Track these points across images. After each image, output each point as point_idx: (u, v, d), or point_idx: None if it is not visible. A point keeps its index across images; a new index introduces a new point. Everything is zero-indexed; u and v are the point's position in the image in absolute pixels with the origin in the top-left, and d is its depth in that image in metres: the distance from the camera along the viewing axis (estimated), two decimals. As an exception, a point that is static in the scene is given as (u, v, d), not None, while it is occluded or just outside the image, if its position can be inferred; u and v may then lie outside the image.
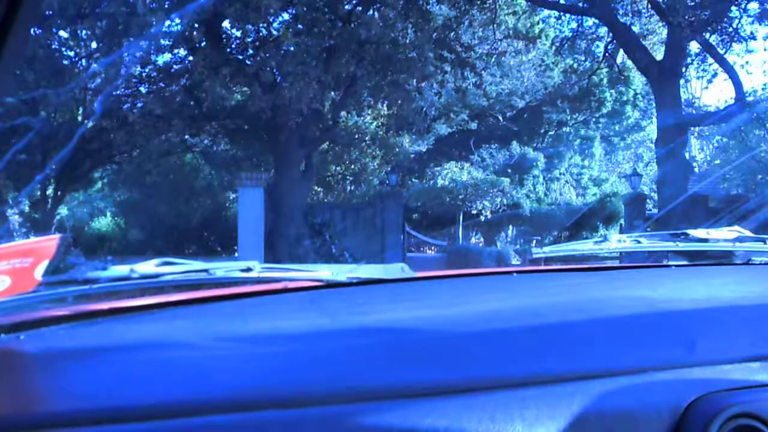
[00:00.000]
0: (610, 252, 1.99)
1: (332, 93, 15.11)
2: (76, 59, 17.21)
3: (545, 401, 0.99)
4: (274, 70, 12.86)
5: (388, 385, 1.00)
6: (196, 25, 12.78)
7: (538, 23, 22.31)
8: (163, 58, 15.61)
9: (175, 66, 15.58)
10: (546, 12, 22.10)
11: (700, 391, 1.04)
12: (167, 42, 13.94)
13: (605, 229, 21.52)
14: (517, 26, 20.42)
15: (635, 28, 18.89)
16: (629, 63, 20.97)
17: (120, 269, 1.29)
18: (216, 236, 20.43)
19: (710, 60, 19.15)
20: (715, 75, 21.31)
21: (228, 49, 14.71)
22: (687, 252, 2.09)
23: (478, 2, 15.22)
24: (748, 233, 1.88)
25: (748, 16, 17.29)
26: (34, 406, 0.94)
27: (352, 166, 21.97)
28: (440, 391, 0.99)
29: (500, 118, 26.90)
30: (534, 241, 21.72)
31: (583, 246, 1.89)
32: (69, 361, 1.07)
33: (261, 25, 13.68)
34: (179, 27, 13.22)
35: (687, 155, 20.96)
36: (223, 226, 20.04)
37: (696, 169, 26.99)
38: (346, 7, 13.92)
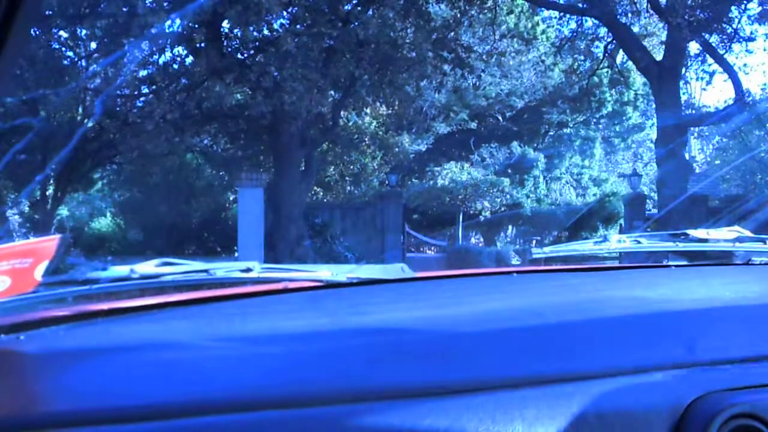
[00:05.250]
0: (610, 252, 1.99)
1: (332, 93, 15.12)
2: (76, 59, 17.21)
3: (545, 401, 0.99)
4: (274, 72, 12.86)
5: (388, 385, 1.00)
6: (196, 26, 12.78)
7: (537, 23, 22.31)
8: (164, 59, 15.62)
9: (175, 66, 15.58)
10: (546, 12, 22.09)
11: (700, 391, 1.04)
12: (167, 42, 13.93)
13: (605, 229, 21.51)
14: (517, 26, 20.44)
15: (635, 29, 18.90)
16: (629, 64, 20.98)
17: (120, 270, 1.29)
18: (216, 236, 20.41)
19: (710, 60, 19.18)
20: (713, 74, 21.33)
21: (228, 50, 14.71)
22: (687, 252, 2.09)
23: (478, 2, 15.22)
24: (748, 233, 1.88)
25: (748, 17, 17.33)
26: (34, 406, 0.94)
27: (352, 167, 22.01)
28: (440, 391, 0.99)
29: (500, 118, 26.91)
30: (534, 241, 21.77)
31: (583, 246, 1.89)
32: (69, 361, 1.07)
33: (262, 25, 13.68)
34: (179, 27, 13.22)
35: (687, 155, 20.96)
36: (223, 226, 20.03)
37: (696, 169, 27.01)
38: (346, 7, 13.92)
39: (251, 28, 13.18)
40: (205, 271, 1.38)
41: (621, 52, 20.17)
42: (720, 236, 1.86)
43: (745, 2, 16.94)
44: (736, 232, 1.86)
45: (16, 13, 0.80)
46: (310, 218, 16.67)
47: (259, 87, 12.90)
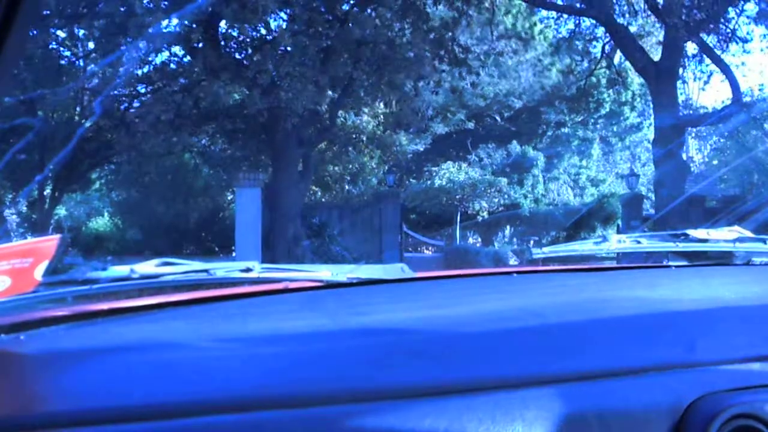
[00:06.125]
0: (608, 252, 2.00)
1: (330, 93, 15.11)
2: (74, 59, 17.20)
3: (545, 401, 0.99)
4: (272, 71, 12.86)
5: (388, 385, 1.00)
6: (194, 26, 12.77)
7: (535, 24, 22.32)
8: (161, 58, 15.62)
9: (172, 66, 15.57)
10: (543, 12, 22.09)
11: (700, 391, 1.04)
12: (165, 42, 13.91)
13: (603, 229, 21.53)
14: (515, 27, 20.45)
15: (632, 29, 18.91)
16: (627, 64, 20.98)
17: (120, 269, 1.29)
18: (214, 236, 20.44)
19: (707, 61, 19.19)
20: (710, 75, 21.33)
21: (226, 50, 14.70)
22: (686, 252, 2.09)
23: (476, 2, 15.21)
24: (748, 233, 1.88)
25: (746, 17, 17.35)
26: (34, 406, 0.94)
27: (350, 166, 21.98)
28: (440, 391, 0.99)
29: (498, 118, 26.94)
30: (531, 242, 21.75)
31: (583, 246, 1.89)
32: (69, 361, 1.07)
33: (259, 25, 13.67)
34: (177, 27, 13.21)
35: (684, 156, 20.97)
36: (220, 226, 20.06)
37: (693, 170, 27.03)
38: (344, 7, 13.91)
39: (249, 28, 13.18)
40: (205, 271, 1.38)
41: (618, 52, 20.17)
42: (720, 236, 1.86)
43: (742, 2, 16.96)
44: (736, 232, 1.85)
45: (16, 13, 0.80)
46: (307, 218, 16.67)
47: (255, 85, 12.89)
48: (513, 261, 17.48)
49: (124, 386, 0.96)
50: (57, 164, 14.83)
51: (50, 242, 1.12)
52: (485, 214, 22.97)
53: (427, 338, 1.18)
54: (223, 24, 13.94)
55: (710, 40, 17.38)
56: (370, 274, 1.59)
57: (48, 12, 12.96)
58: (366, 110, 19.56)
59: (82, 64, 17.21)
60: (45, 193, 17.81)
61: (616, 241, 1.87)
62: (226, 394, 0.95)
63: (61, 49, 16.68)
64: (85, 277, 1.26)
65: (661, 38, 18.96)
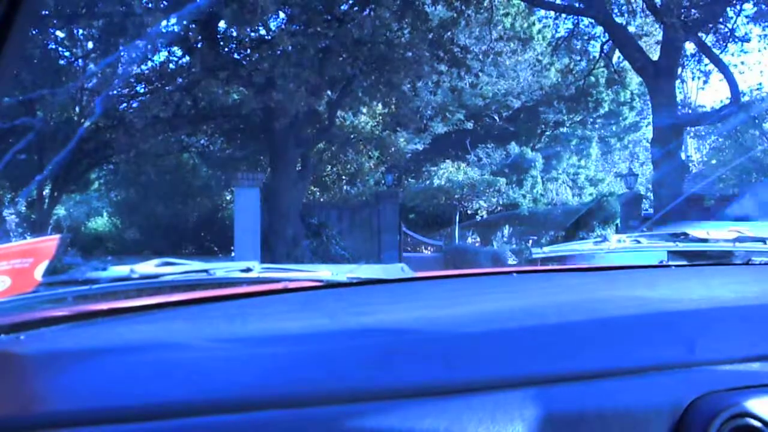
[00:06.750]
0: (608, 252, 1.99)
1: (328, 93, 15.10)
2: (73, 59, 17.20)
3: (545, 401, 0.99)
4: (269, 71, 12.86)
5: (388, 385, 1.00)
6: (193, 26, 12.76)
7: (533, 23, 22.33)
8: (160, 58, 15.61)
9: (171, 66, 15.56)
10: (542, 12, 22.10)
11: (700, 391, 1.04)
12: (164, 42, 13.91)
13: (602, 229, 21.51)
14: (513, 26, 20.47)
15: (631, 29, 18.93)
16: (626, 64, 21.00)
17: (120, 270, 1.29)
18: (212, 236, 20.43)
19: (706, 60, 19.21)
20: (709, 74, 21.34)
21: (224, 50, 14.69)
22: (686, 252, 2.09)
23: (474, 2, 15.21)
24: (748, 233, 1.88)
25: (745, 16, 17.37)
26: (34, 406, 0.94)
27: (348, 166, 21.99)
28: (440, 391, 0.99)
29: (497, 118, 26.93)
30: (530, 241, 21.76)
31: (583, 246, 1.89)
32: (69, 361, 1.07)
33: (258, 25, 13.67)
34: (176, 27, 13.20)
35: (683, 155, 20.97)
36: (219, 226, 20.05)
37: (692, 169, 27.05)
38: (342, 7, 13.90)
39: (247, 29, 13.17)
40: (205, 271, 1.38)
41: (617, 51, 20.19)
42: (720, 236, 1.86)
43: (740, 2, 16.98)
44: (736, 232, 1.85)
45: (16, 13, 0.80)
46: (306, 218, 16.66)
47: (250, 84, 12.89)
48: (512, 261, 17.50)
49: (124, 386, 0.96)
50: (56, 164, 14.81)
51: (50, 242, 1.12)
52: (484, 213, 22.95)
53: (427, 338, 1.18)
54: (222, 24, 13.94)
55: (709, 39, 17.41)
56: (369, 274, 1.59)
57: (47, 12, 12.95)
58: (364, 110, 19.57)
59: (81, 64, 17.20)
60: (44, 193, 17.79)
61: (615, 241, 1.87)
62: (226, 394, 0.95)
63: (61, 49, 16.69)
64: (85, 277, 1.26)
65: (659, 38, 18.98)
